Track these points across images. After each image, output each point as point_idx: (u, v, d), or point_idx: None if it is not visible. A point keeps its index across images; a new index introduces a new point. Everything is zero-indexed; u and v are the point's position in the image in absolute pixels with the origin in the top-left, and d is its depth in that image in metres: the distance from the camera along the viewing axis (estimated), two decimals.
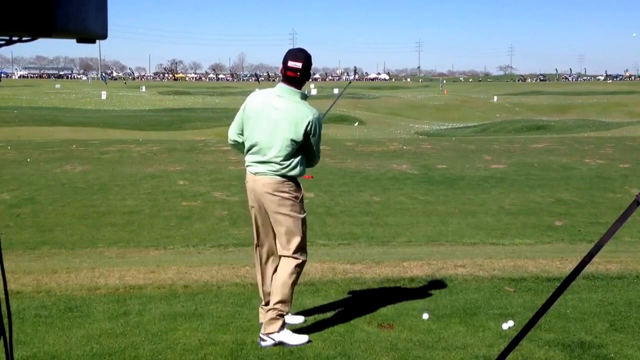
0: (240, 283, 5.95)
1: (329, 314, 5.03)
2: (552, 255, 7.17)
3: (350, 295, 5.56)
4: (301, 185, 4.51)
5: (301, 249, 4.49)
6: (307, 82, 4.55)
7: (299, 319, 4.82)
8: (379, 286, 5.86)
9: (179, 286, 5.87)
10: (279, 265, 4.51)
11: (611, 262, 6.60)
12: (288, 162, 4.36)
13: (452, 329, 4.68)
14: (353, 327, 4.68)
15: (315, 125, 4.38)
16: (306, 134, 4.35)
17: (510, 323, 4.73)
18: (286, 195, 4.38)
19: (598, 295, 5.53)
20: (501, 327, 4.70)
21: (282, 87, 4.42)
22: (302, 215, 4.46)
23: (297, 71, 4.35)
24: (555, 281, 5.89)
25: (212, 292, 5.68)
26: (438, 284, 5.90)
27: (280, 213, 4.39)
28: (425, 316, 4.93)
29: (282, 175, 4.37)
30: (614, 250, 7.22)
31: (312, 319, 4.89)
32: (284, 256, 4.47)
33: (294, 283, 4.49)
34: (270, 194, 4.37)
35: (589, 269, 5.62)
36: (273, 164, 4.37)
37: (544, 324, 4.65)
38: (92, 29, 1.36)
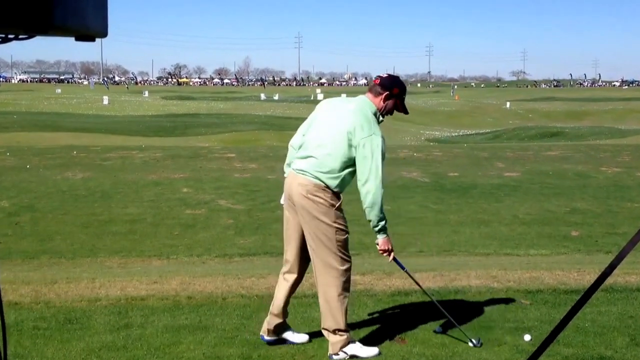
0: (246, 294, 5.81)
1: None
2: (568, 267, 7.00)
3: (361, 308, 5.42)
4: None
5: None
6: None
7: (303, 337, 4.63)
8: (390, 298, 5.73)
9: (182, 297, 5.75)
10: (317, 283, 4.35)
11: (630, 274, 6.44)
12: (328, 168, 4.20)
13: (466, 343, 4.55)
14: (364, 341, 4.55)
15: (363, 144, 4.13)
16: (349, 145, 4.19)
17: (527, 337, 4.60)
18: (321, 200, 4.20)
19: (617, 309, 5.38)
20: (517, 341, 4.58)
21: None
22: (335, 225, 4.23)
23: (379, 78, 4.39)
24: (573, 293, 5.73)
25: (217, 304, 5.55)
26: (451, 296, 5.75)
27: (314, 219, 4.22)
28: (439, 330, 4.84)
29: (318, 179, 4.21)
30: (633, 261, 7.02)
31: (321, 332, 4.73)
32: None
33: (339, 296, 4.27)
34: (304, 196, 4.21)
35: (608, 280, 5.43)
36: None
37: (562, 338, 4.54)
38: (91, 26, 1.31)
